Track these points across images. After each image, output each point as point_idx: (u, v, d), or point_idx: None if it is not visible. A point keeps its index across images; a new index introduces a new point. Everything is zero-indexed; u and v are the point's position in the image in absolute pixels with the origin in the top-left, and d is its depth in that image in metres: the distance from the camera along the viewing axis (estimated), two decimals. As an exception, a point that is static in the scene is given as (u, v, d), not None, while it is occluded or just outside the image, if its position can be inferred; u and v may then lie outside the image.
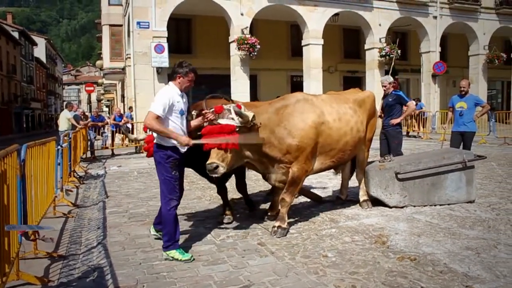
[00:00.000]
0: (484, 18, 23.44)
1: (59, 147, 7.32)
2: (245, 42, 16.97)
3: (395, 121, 7.81)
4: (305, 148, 5.14)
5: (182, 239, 5.08)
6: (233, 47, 17.60)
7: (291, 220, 5.84)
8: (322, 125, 5.32)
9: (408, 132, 19.79)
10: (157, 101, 4.34)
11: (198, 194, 7.84)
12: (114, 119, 16.61)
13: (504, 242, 4.66)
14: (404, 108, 8.09)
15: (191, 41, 22.07)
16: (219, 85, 20.05)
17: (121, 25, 23.07)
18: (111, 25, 24.02)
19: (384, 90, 8.10)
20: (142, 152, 15.85)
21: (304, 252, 4.53)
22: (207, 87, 21.46)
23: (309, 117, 5.22)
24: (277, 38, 22.61)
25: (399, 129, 8.03)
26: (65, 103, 22.53)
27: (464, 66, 24.80)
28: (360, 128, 5.90)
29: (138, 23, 16.40)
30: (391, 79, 8.16)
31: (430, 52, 22.15)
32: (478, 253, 4.39)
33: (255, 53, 17.20)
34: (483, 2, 23.13)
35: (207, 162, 4.55)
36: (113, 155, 15.37)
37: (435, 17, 21.99)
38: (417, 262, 4.17)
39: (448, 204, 6.26)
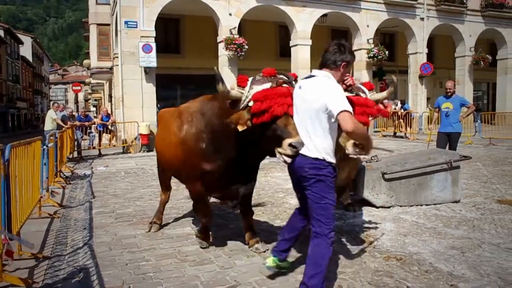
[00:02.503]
0: (470, 20, 23.70)
1: (44, 147, 7.25)
2: (233, 42, 16.97)
3: None
4: None
5: (168, 239, 5.08)
6: (221, 47, 17.59)
7: (278, 220, 5.86)
8: None
9: (395, 133, 19.96)
10: (338, 96, 3.19)
11: (186, 194, 7.80)
12: (102, 119, 16.50)
13: (488, 242, 4.72)
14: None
15: (179, 41, 21.99)
16: (207, 85, 20.00)
17: (108, 24, 22.91)
18: (98, 24, 23.87)
19: None
20: (129, 152, 15.80)
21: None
22: (195, 87, 21.50)
23: None
24: (266, 38, 22.64)
25: None
26: (51, 102, 22.32)
27: (450, 67, 25.06)
28: None
29: (126, 22, 16.31)
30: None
31: (417, 54, 22.34)
32: (463, 253, 4.44)
33: (243, 53, 17.20)
34: (469, 5, 23.39)
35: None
36: (100, 155, 15.25)
37: (422, 19, 22.18)
38: (403, 261, 4.20)
39: (434, 204, 6.32)
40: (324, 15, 19.67)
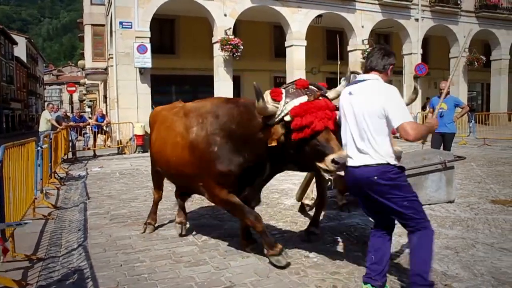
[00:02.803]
0: (464, 21, 23.79)
1: (39, 148, 7.22)
2: (228, 43, 16.95)
3: None
4: None
5: (163, 240, 5.08)
6: (216, 48, 17.57)
7: (273, 221, 5.87)
8: None
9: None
10: (400, 105, 3.18)
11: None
12: (96, 120, 16.44)
13: (482, 241, 4.75)
14: None
15: (174, 41, 21.95)
16: (202, 86, 20.04)
17: (103, 25, 22.85)
18: (93, 25, 23.80)
19: None
20: (124, 153, 15.76)
21: (286, 253, 4.54)
22: (190, 87, 21.51)
23: None
24: (261, 39, 22.64)
25: None
26: (46, 103, 22.22)
27: (445, 68, 25.16)
28: None
29: (121, 23, 16.27)
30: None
31: (412, 54, 22.41)
32: (457, 252, 4.47)
33: (238, 54, 17.19)
34: (463, 6, 23.47)
35: None
36: (95, 156, 15.20)
37: (416, 20, 22.25)
38: (397, 261, 4.22)
39: (429, 204, 6.34)
40: (319, 16, 19.69)
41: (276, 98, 3.55)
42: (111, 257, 4.52)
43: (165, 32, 21.61)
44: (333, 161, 3.28)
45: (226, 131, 4.04)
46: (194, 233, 5.37)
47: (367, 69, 3.48)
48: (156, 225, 5.60)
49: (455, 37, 23.68)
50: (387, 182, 3.20)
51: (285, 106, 3.49)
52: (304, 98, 3.46)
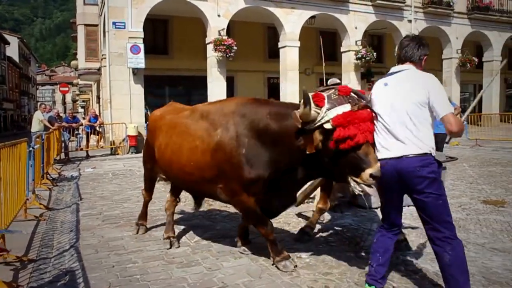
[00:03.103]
0: (456, 22, 23.93)
1: (30, 148, 7.18)
2: (222, 43, 16.94)
3: None
4: None
5: (155, 241, 5.06)
6: (209, 48, 17.55)
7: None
8: None
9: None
10: (444, 96, 3.20)
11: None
12: (89, 120, 16.37)
13: (473, 242, 4.78)
14: None
15: (168, 42, 21.90)
16: (196, 86, 20.01)
17: (96, 25, 22.76)
18: (86, 25, 23.69)
19: None
20: (117, 154, 15.70)
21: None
22: (183, 88, 21.46)
23: None
24: (254, 39, 22.63)
25: None
26: (38, 103, 22.11)
27: (438, 69, 25.24)
28: None
29: (114, 23, 16.20)
30: (338, 81, 7.96)
31: (405, 55, 22.47)
32: (449, 253, 4.49)
33: (232, 55, 17.18)
34: (455, 7, 23.60)
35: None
36: (87, 156, 15.14)
37: (409, 21, 22.34)
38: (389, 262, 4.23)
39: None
40: (313, 17, 19.72)
41: (318, 104, 3.37)
42: (103, 258, 4.50)
43: (158, 33, 21.55)
44: (370, 175, 3.20)
45: (254, 132, 3.86)
46: (187, 234, 5.36)
47: (401, 60, 3.41)
48: (149, 226, 5.59)
49: (448, 39, 23.82)
50: (428, 175, 3.12)
51: (326, 113, 3.34)
52: (347, 107, 3.31)
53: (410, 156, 3.15)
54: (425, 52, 3.41)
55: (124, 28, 16.25)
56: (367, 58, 20.23)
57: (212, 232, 5.39)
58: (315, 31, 22.04)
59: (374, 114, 3.34)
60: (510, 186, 8.14)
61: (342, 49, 21.22)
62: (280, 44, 19.57)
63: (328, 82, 7.70)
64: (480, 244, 4.71)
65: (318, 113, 3.37)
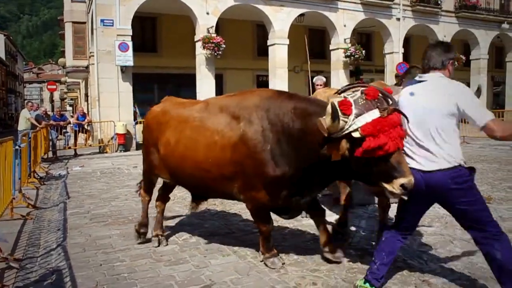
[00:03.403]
0: (444, 21, 24.12)
1: (17, 147, 7.11)
2: (211, 41, 16.90)
3: None
4: None
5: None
6: (198, 46, 17.50)
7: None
8: None
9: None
10: (478, 103, 3.09)
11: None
12: (77, 119, 16.25)
13: (460, 237, 4.83)
14: None
15: (156, 39, 21.79)
16: (184, 84, 19.93)
17: (84, 23, 22.58)
18: (74, 22, 23.48)
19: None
20: (106, 152, 15.61)
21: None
22: (172, 86, 21.36)
23: None
24: (243, 37, 22.61)
25: None
26: (26, 101, 21.88)
27: (426, 67, 25.46)
28: None
29: (102, 20, 16.08)
30: (324, 79, 7.97)
31: (393, 53, 22.61)
32: (435, 249, 4.55)
33: (220, 53, 17.15)
34: (443, 6, 23.79)
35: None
36: (76, 155, 15.03)
37: (398, 19, 22.46)
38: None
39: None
40: (302, 15, 19.75)
41: (345, 112, 3.08)
42: (91, 257, 4.48)
43: (147, 30, 21.44)
44: (402, 186, 3.06)
45: (279, 128, 3.70)
46: (175, 232, 5.34)
47: (425, 69, 3.32)
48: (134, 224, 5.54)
49: (436, 37, 23.93)
50: (461, 186, 3.07)
51: (354, 121, 3.08)
52: (376, 113, 3.06)
53: (441, 170, 3.08)
54: (449, 56, 3.31)
55: (112, 25, 16.14)
56: (356, 56, 20.30)
57: (200, 230, 5.39)
58: (304, 29, 22.08)
59: (404, 117, 3.16)
60: (496, 183, 8.24)
61: (331, 47, 21.29)
62: (269, 42, 19.57)
63: (313, 80, 7.75)
64: (466, 240, 4.73)
65: (346, 122, 3.10)
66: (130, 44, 16.04)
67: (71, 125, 16.07)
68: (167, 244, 4.83)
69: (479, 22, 25.40)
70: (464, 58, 24.30)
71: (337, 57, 20.78)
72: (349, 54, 20.37)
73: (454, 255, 4.34)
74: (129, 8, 16.37)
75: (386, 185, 3.15)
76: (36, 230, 5.63)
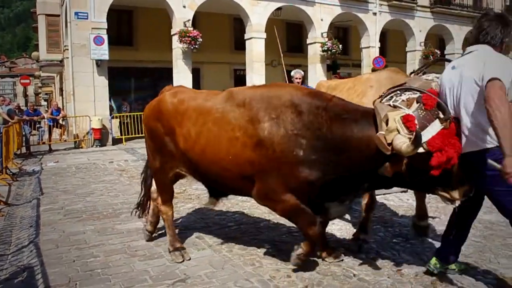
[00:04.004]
0: (420, 16, 24.43)
1: (-13, 142, 6.95)
2: (187, 35, 16.75)
3: None
4: None
5: (118, 234, 5.00)
6: (175, 40, 17.32)
7: (229, 213, 5.87)
8: None
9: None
10: (499, 63, 2.76)
11: (138, 189, 7.68)
12: (52, 113, 15.96)
13: (432, 228, 4.92)
14: None
15: (132, 33, 21.48)
16: (161, 78, 19.75)
17: (58, 15, 22.08)
18: (47, 15, 22.93)
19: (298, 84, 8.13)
20: (81, 147, 15.38)
21: (241, 244, 4.56)
22: (149, 80, 21.16)
23: None
24: (220, 31, 22.49)
25: None
26: (-3, 96, 21.35)
27: (402, 61, 25.73)
28: None
29: (76, 13, 15.75)
30: (302, 73, 7.96)
31: (370, 48, 22.81)
32: (408, 240, 4.63)
33: (197, 46, 17.02)
34: (419, 1, 24.08)
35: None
36: (50, 150, 14.75)
37: (374, 14, 22.65)
38: (350, 250, 4.31)
39: (384, 194, 6.50)
40: (279, 9, 19.72)
41: (412, 129, 2.89)
42: (64, 253, 4.42)
43: (122, 24, 21.11)
44: (464, 194, 3.01)
45: (314, 134, 3.37)
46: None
47: (475, 40, 3.04)
48: (111, 219, 5.50)
49: (412, 32, 24.29)
50: (493, 172, 2.81)
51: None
52: (437, 125, 2.93)
53: (475, 151, 2.94)
54: (509, 32, 2.96)
55: (87, 18, 15.83)
56: (333, 50, 20.41)
57: (176, 224, 5.33)
58: (281, 23, 22.10)
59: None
60: None
61: (308, 41, 21.33)
62: (246, 36, 19.51)
63: (292, 73, 7.76)
64: (439, 231, 4.84)
65: (410, 138, 2.89)
66: (105, 37, 15.77)
67: (45, 120, 15.77)
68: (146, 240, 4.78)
69: (453, 17, 25.79)
70: (439, 52, 24.68)
71: (314, 51, 20.85)
72: (326, 48, 20.46)
73: (426, 246, 4.43)
74: (104, 0, 16.09)
75: (444, 194, 3.09)
76: (8, 227, 5.53)
